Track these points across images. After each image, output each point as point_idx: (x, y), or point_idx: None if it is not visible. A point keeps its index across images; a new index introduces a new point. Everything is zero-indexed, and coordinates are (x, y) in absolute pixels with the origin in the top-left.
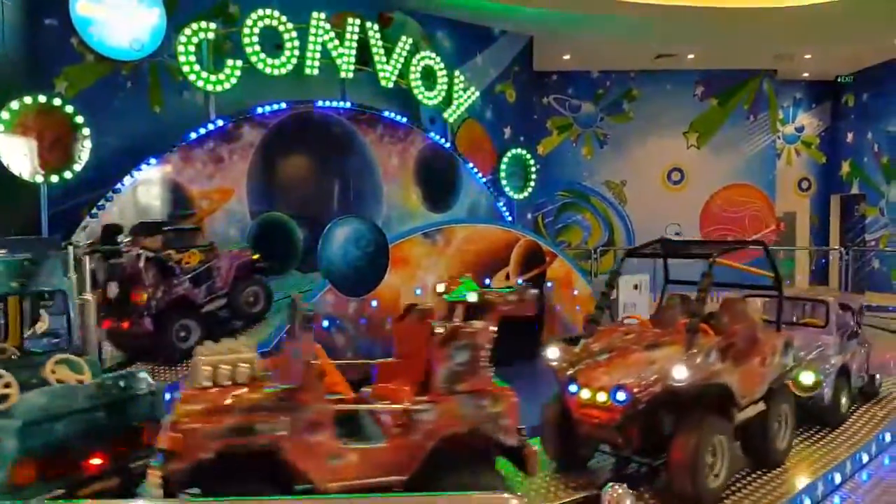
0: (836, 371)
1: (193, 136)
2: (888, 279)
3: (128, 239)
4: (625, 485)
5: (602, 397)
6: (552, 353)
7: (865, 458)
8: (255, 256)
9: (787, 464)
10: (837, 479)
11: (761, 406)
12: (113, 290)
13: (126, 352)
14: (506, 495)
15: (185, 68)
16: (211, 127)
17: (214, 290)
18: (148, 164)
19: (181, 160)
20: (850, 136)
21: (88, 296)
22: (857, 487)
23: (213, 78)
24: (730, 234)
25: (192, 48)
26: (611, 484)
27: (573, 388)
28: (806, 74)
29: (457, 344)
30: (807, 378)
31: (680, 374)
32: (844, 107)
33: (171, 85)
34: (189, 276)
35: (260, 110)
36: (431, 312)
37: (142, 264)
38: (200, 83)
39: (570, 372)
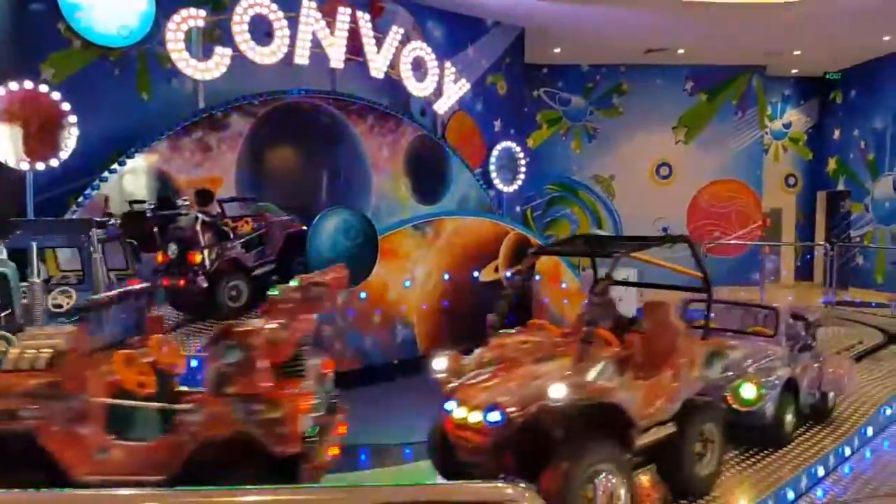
0: (781, 385)
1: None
2: (872, 275)
3: (187, 203)
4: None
5: (475, 417)
6: (438, 363)
7: (808, 482)
8: (304, 228)
9: (715, 492)
10: None
11: (673, 427)
12: (172, 249)
13: (181, 310)
14: (500, 484)
15: (174, 55)
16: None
17: (264, 256)
18: (137, 151)
19: (169, 148)
20: (836, 133)
21: (36, 279)
22: None
23: (201, 66)
24: (717, 229)
25: (181, 35)
26: (603, 474)
27: (449, 405)
28: (795, 71)
29: (227, 343)
30: (748, 391)
31: (556, 392)
32: (832, 104)
33: (159, 72)
34: (241, 241)
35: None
36: None
37: (198, 227)
38: (189, 71)
39: (449, 387)
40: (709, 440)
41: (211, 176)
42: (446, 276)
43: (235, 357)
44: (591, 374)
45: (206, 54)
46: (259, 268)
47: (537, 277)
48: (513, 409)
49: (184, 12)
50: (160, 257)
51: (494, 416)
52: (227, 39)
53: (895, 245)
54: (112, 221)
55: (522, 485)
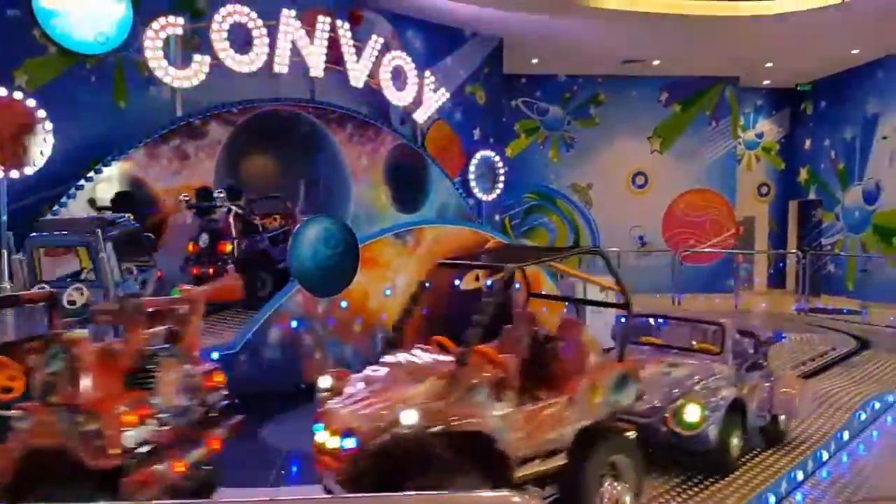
0: (726, 406)
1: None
2: (843, 283)
3: (222, 195)
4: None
5: (333, 442)
6: (324, 381)
7: None
8: None
9: None
10: None
11: (565, 458)
12: (203, 239)
13: None
14: (507, 493)
15: (153, 63)
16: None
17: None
18: (113, 159)
19: (146, 156)
20: (808, 143)
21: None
22: None
23: (180, 74)
24: (692, 237)
25: (159, 43)
26: (608, 481)
27: (316, 427)
28: (767, 82)
29: (51, 352)
30: (690, 413)
31: (408, 418)
32: (803, 114)
33: (136, 80)
34: (269, 235)
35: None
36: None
37: (231, 219)
38: (168, 79)
39: (321, 408)
40: (620, 474)
41: (189, 184)
42: (427, 285)
43: (59, 366)
44: (465, 398)
45: (185, 62)
46: (284, 262)
47: (517, 286)
48: (367, 434)
49: (162, 20)
50: (191, 247)
51: (349, 443)
52: (206, 47)
53: (865, 253)
54: (126, 216)
55: (527, 494)
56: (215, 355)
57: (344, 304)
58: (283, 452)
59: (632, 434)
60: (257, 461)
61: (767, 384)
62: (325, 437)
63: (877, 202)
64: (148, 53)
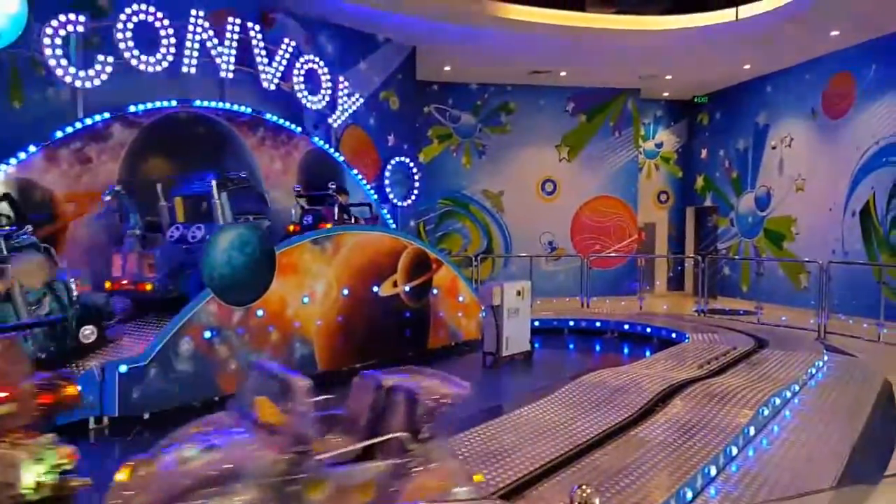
0: None
1: (59, 134)
2: (738, 285)
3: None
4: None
5: None
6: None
7: None
8: None
9: None
10: None
11: None
12: (308, 221)
13: None
14: (481, 500)
15: (51, 62)
16: (79, 125)
17: None
18: (6, 163)
19: (45, 160)
20: (703, 153)
21: None
22: None
23: (81, 73)
24: (598, 242)
25: (58, 41)
26: (579, 484)
27: None
28: (666, 94)
29: None
30: None
31: None
32: (699, 125)
33: (33, 79)
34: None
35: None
36: None
37: (335, 210)
38: (68, 79)
39: None
40: None
41: (91, 190)
42: (345, 292)
43: None
44: None
45: (86, 62)
46: None
47: (434, 292)
48: None
49: (62, 17)
50: (292, 228)
51: None
52: (109, 47)
53: (758, 256)
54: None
55: (497, 500)
56: (123, 368)
57: (260, 312)
58: None
59: None
60: None
61: (394, 486)
62: None
63: (768, 208)
64: (46, 52)
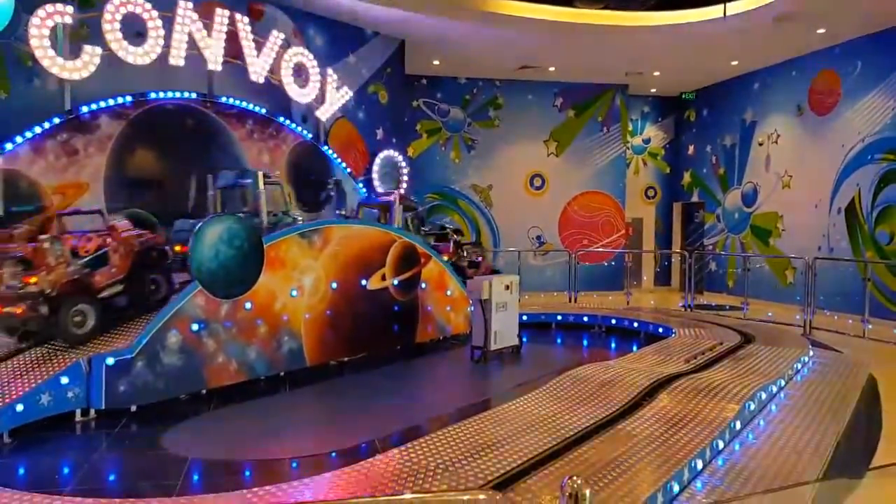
0: None
1: (46, 125)
2: (724, 280)
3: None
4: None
5: None
6: None
7: None
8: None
9: None
10: None
11: None
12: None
13: None
14: (473, 492)
15: (38, 53)
16: (65, 116)
17: None
18: None
19: (31, 151)
20: (691, 149)
21: None
22: None
23: (69, 65)
24: (585, 237)
25: (45, 32)
26: (569, 476)
27: None
28: (654, 90)
29: None
30: None
31: None
32: (687, 121)
33: (20, 70)
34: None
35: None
36: None
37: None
38: (55, 70)
39: None
40: None
41: (77, 181)
42: (334, 285)
43: None
44: None
45: (74, 53)
46: None
47: (423, 285)
48: None
49: (49, 7)
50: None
51: None
52: (97, 38)
53: (744, 252)
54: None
55: (492, 491)
56: (110, 360)
57: (248, 305)
58: (185, 461)
59: None
60: (159, 470)
61: None
62: None
63: (754, 204)
64: (33, 43)
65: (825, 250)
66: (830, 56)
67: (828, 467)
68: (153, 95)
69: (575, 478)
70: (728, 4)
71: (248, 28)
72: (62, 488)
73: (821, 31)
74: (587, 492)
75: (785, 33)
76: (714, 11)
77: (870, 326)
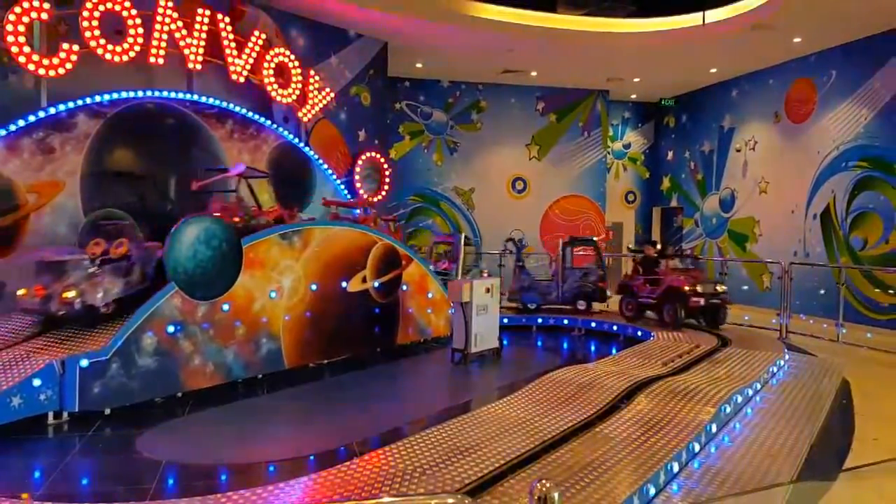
0: None
1: (21, 122)
2: None
3: None
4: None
5: None
6: None
7: None
8: None
9: None
10: None
11: None
12: None
13: None
14: (441, 496)
15: (14, 50)
16: (42, 114)
17: None
18: None
19: (6, 149)
20: (670, 155)
21: None
22: None
23: (45, 62)
24: None
25: (21, 29)
26: (538, 479)
27: None
28: (634, 96)
29: None
30: None
31: None
32: (666, 127)
33: None
34: None
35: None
36: None
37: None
38: (31, 67)
39: None
40: None
41: (53, 180)
42: (314, 287)
43: None
44: None
45: (51, 50)
46: None
47: (404, 287)
48: None
49: (26, 4)
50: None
51: None
52: (75, 35)
53: (722, 257)
54: None
55: (460, 495)
56: (84, 362)
57: (226, 306)
58: (160, 464)
59: None
60: (132, 474)
61: None
62: None
63: (732, 210)
64: (9, 39)
65: (801, 255)
66: (806, 65)
67: (801, 469)
68: (126, 94)
69: (544, 481)
70: (707, 13)
71: (229, 27)
72: (33, 493)
73: (797, 39)
74: (556, 495)
75: (762, 42)
76: (693, 19)
77: (844, 331)
